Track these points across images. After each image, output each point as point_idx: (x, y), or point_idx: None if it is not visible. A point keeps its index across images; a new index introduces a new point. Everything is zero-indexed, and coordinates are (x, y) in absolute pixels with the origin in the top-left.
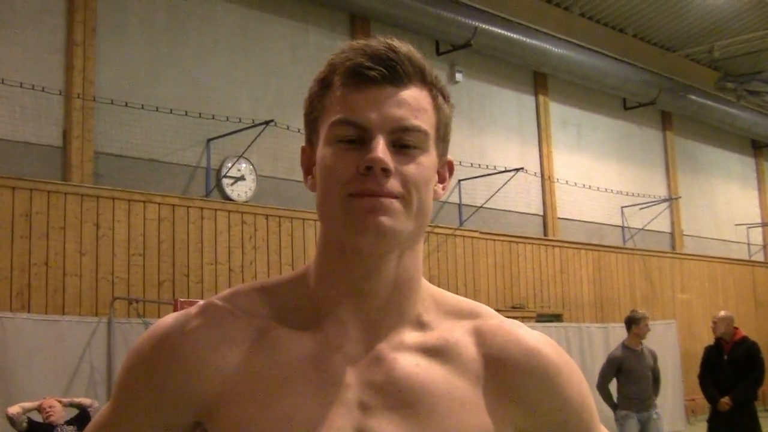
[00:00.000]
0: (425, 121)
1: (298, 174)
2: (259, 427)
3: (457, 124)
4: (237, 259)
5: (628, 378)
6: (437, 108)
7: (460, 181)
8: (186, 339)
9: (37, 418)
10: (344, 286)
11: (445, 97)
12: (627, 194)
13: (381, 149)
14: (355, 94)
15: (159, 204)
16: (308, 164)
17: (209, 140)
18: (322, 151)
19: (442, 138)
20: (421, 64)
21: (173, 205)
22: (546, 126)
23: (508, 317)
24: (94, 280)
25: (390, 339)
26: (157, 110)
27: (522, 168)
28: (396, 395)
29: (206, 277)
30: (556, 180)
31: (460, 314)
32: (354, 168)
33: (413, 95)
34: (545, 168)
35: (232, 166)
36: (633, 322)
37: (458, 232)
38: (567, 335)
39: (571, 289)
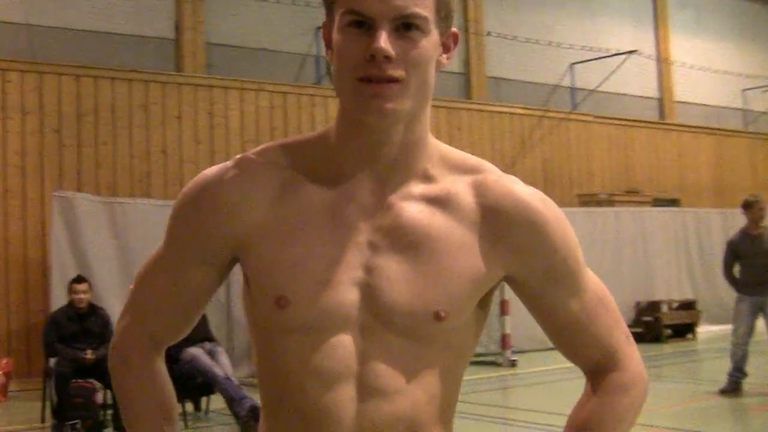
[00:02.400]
0: (424, 7)
1: None
2: (282, 261)
3: (569, 6)
4: None
5: (743, 263)
6: None
7: (572, 64)
8: (223, 186)
9: None
10: (358, 148)
11: None
12: (749, 76)
13: (383, 39)
14: None
15: (271, 92)
16: (328, 39)
17: (318, 28)
18: (335, 36)
19: (444, 18)
20: None
21: (285, 93)
22: (662, 7)
23: (622, 202)
24: (210, 166)
25: (398, 190)
26: (266, 0)
27: (636, 50)
28: (401, 238)
29: None
30: (672, 62)
31: (464, 169)
32: (361, 54)
33: None
34: (661, 50)
35: None
36: (746, 207)
37: (572, 116)
38: (684, 220)
39: (689, 173)
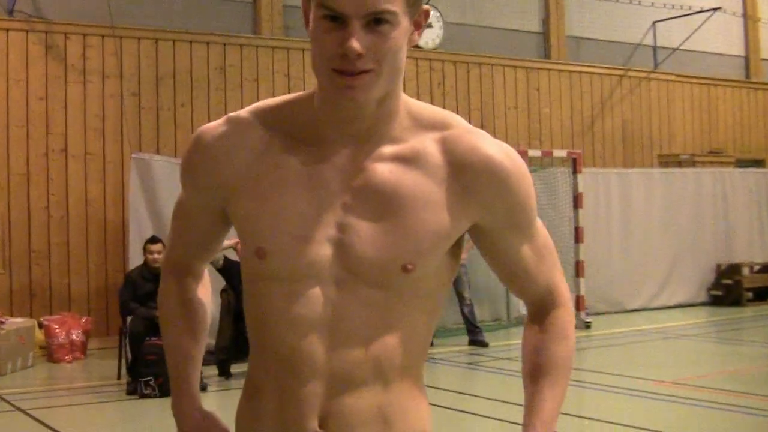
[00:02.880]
0: (393, 3)
1: (487, 20)
2: (261, 214)
3: None
4: None
5: None
6: None
7: (654, 22)
8: (214, 140)
9: (233, 256)
10: (333, 113)
11: None
12: None
13: (355, 39)
14: None
15: None
16: (306, 16)
17: None
18: (312, 21)
19: (413, 4)
20: None
21: None
22: None
23: (704, 163)
24: None
25: (371, 153)
26: None
27: (720, 8)
28: (372, 197)
29: None
30: (759, 19)
31: (432, 126)
32: (335, 48)
33: None
34: (748, 6)
35: None
36: None
37: (653, 75)
38: None
39: None
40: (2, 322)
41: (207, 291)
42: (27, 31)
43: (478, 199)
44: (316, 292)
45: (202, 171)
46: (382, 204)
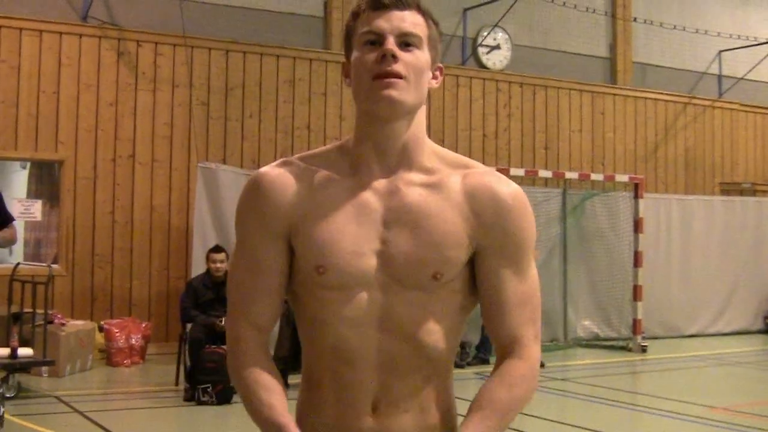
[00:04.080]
0: (420, 31)
1: (554, 43)
2: (319, 237)
3: None
4: (491, 126)
5: None
6: (428, 26)
7: (720, 51)
8: (274, 180)
9: None
10: (371, 144)
11: (434, 22)
12: None
13: (391, 43)
14: (374, 14)
15: None
16: (347, 71)
17: (466, 9)
18: (354, 53)
19: (433, 47)
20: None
21: None
22: None
23: (766, 191)
24: None
25: (404, 179)
26: None
27: None
28: (406, 215)
29: (460, 143)
30: None
31: (456, 165)
32: (374, 58)
33: (411, 15)
34: None
35: (487, 35)
36: None
37: (717, 104)
38: None
39: None
40: (63, 325)
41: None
42: (100, 38)
43: (481, 222)
44: (366, 295)
45: (270, 206)
46: (415, 221)
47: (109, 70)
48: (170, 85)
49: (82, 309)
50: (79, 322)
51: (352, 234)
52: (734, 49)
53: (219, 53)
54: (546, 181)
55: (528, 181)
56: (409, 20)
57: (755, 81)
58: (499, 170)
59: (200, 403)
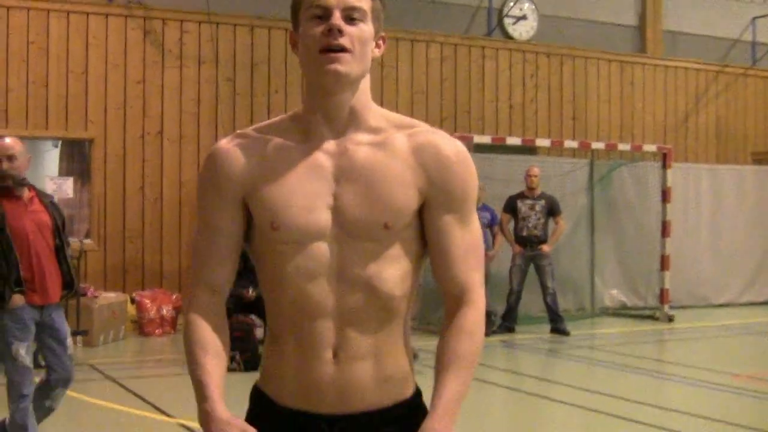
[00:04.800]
0: (364, 5)
1: (582, 12)
2: (274, 198)
3: None
4: (518, 96)
5: None
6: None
7: (753, 18)
8: (227, 151)
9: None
10: (320, 112)
11: None
12: None
13: (337, 18)
14: None
15: (441, 44)
16: (293, 41)
17: None
18: (302, 27)
19: (376, 18)
20: None
21: (455, 45)
22: None
23: None
24: None
25: (352, 140)
26: None
27: None
28: (356, 172)
29: (487, 114)
30: None
31: (403, 125)
32: (322, 32)
33: None
34: None
35: (514, 5)
36: None
37: (750, 72)
38: None
39: None
40: (96, 297)
41: (227, 328)
42: (126, 17)
43: (426, 174)
44: (322, 247)
45: (224, 175)
46: (364, 178)
47: (135, 49)
48: (196, 62)
49: (114, 282)
50: (112, 294)
51: (304, 191)
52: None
53: (244, 29)
54: (574, 152)
55: (555, 151)
56: None
57: None
58: (525, 141)
59: (228, 370)
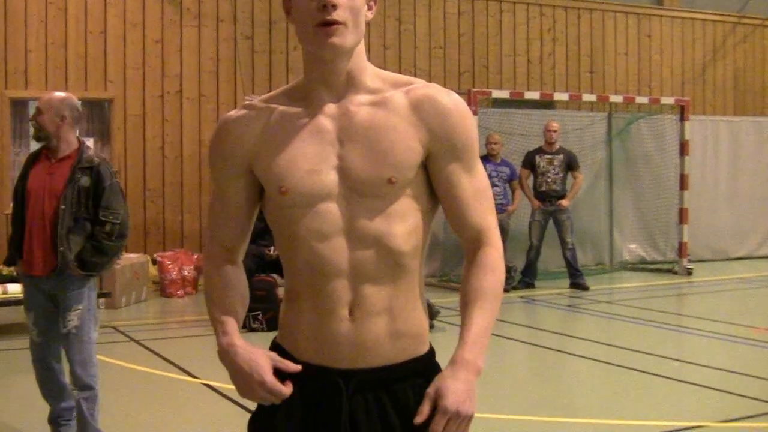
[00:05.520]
0: None
1: None
2: (279, 162)
3: None
4: (535, 51)
5: None
6: None
7: None
8: (232, 122)
9: None
10: (319, 77)
11: None
12: None
13: None
14: None
15: None
16: (287, 7)
17: None
18: (294, 2)
19: None
20: None
21: (472, 0)
22: None
23: None
24: (397, 72)
25: (352, 101)
26: None
27: None
28: (357, 132)
29: (505, 69)
30: None
31: (399, 83)
32: (315, 7)
33: None
34: None
35: None
36: None
37: None
38: None
39: None
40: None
41: (245, 279)
42: None
43: (427, 128)
44: (332, 207)
45: (230, 144)
46: (366, 136)
47: (153, 7)
48: (215, 20)
49: (135, 243)
50: (133, 255)
51: (309, 154)
52: None
53: None
54: (591, 105)
55: (573, 105)
56: None
57: None
58: (543, 95)
59: (251, 330)
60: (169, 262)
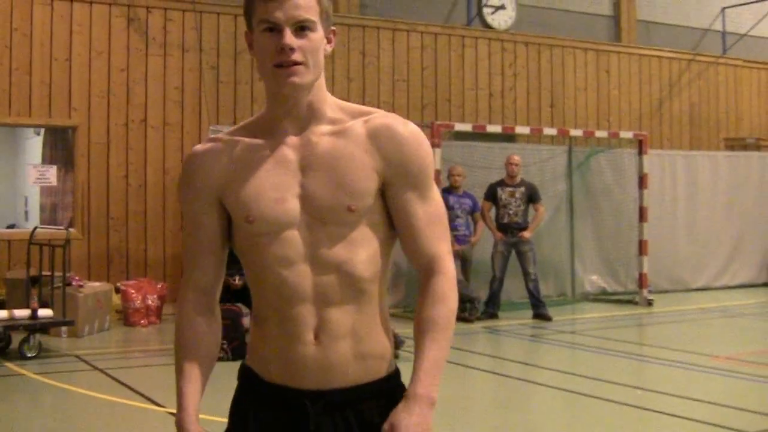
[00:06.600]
0: (313, 14)
1: (559, 2)
2: (246, 193)
3: None
4: (497, 85)
5: None
6: (320, 3)
7: (723, 8)
8: (200, 155)
9: None
10: (281, 110)
11: None
12: None
13: (288, 37)
14: (269, 2)
15: (422, 33)
16: (249, 41)
17: None
18: (256, 37)
19: (326, 19)
20: None
21: (436, 34)
22: None
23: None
24: (362, 103)
25: (314, 132)
26: None
27: None
28: (319, 161)
29: (467, 102)
30: None
31: (358, 113)
32: (274, 48)
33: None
34: None
35: None
36: None
37: (721, 60)
38: None
39: None
40: (81, 286)
41: (218, 325)
42: (110, 5)
43: (384, 157)
44: (295, 234)
45: (200, 177)
46: (326, 166)
47: (119, 36)
48: (180, 50)
49: (98, 271)
50: (96, 284)
51: (273, 184)
52: (738, 5)
53: (228, 18)
54: (552, 139)
55: (534, 138)
56: (303, 5)
57: (759, 37)
58: (505, 128)
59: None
60: (133, 291)
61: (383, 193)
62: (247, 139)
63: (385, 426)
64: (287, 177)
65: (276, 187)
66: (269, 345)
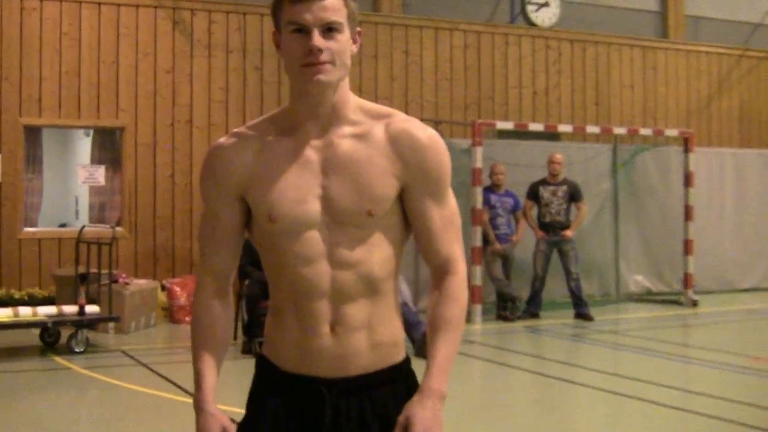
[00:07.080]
0: (340, 16)
1: None
2: (269, 191)
3: None
4: (541, 83)
5: None
6: (346, 5)
7: None
8: (225, 149)
9: None
10: (305, 109)
11: None
12: None
13: (316, 38)
14: (297, 4)
15: (465, 31)
16: (277, 41)
17: None
18: (284, 38)
19: (352, 20)
20: None
21: (479, 32)
22: None
23: None
24: (404, 103)
25: (336, 133)
26: None
27: None
28: (340, 164)
29: (510, 100)
30: None
31: (380, 116)
32: (302, 49)
33: (332, 1)
34: None
35: None
36: None
37: None
38: None
39: None
40: (127, 284)
41: (231, 310)
42: (156, 8)
43: (403, 162)
44: (315, 235)
45: (223, 171)
46: (348, 169)
47: (165, 38)
48: (224, 51)
49: (145, 269)
50: (143, 281)
51: (295, 185)
52: None
53: (271, 18)
54: (596, 137)
55: (578, 137)
56: (330, 7)
57: None
58: (548, 127)
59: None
60: (178, 289)
61: (400, 196)
62: (270, 137)
63: (401, 418)
64: (309, 178)
65: (298, 188)
66: (285, 335)
